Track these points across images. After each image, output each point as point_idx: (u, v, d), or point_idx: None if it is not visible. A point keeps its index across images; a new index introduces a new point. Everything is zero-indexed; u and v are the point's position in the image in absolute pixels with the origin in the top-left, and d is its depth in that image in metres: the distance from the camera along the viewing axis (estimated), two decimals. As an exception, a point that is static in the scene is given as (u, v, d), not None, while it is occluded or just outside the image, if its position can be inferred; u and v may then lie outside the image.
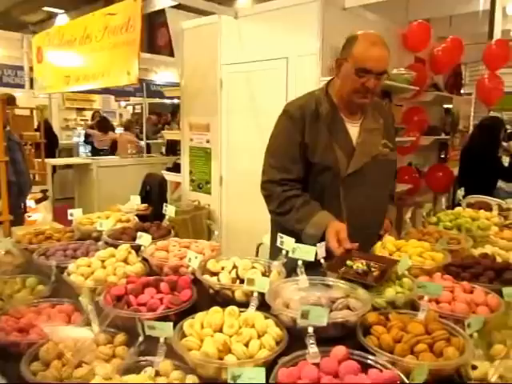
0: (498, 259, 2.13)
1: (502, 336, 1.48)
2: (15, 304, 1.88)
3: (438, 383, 1.26)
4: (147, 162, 7.91)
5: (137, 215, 2.84)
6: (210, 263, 1.83)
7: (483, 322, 1.42)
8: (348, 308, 1.51)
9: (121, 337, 1.57)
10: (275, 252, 2.04)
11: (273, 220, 2.37)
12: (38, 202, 7.03)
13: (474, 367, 1.30)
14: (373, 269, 1.76)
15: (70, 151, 11.70)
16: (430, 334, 1.39)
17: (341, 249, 1.91)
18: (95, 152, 9.75)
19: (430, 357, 1.30)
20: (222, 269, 1.80)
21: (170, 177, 5.92)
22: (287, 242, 1.75)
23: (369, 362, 1.26)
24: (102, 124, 10.03)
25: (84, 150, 12.04)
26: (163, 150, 9.23)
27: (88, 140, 10.66)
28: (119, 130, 11.11)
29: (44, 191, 7.22)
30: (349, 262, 1.80)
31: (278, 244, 1.80)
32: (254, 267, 1.81)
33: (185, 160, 5.60)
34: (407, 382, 1.15)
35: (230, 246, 4.73)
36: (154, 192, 6.09)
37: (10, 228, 3.90)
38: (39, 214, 7.00)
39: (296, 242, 1.77)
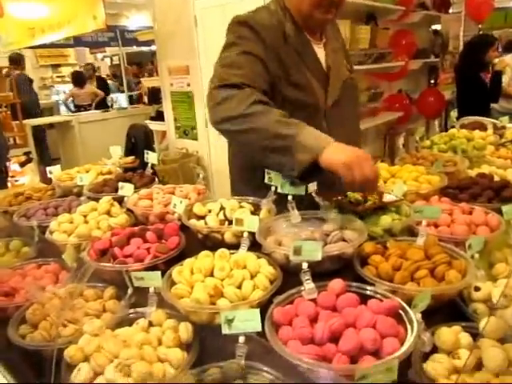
0: (496, 178, 2.06)
1: (503, 255, 1.44)
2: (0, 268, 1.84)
3: (441, 308, 1.22)
4: (130, 113, 7.68)
5: (125, 169, 2.73)
6: (196, 207, 1.74)
7: (484, 243, 1.36)
8: (343, 240, 1.45)
9: (110, 291, 1.52)
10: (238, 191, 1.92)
11: (231, 155, 2.03)
12: (22, 165, 6.87)
13: (477, 289, 1.25)
14: (369, 201, 1.69)
15: (51, 110, 11.33)
16: (431, 259, 1.33)
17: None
18: (78, 110, 9.43)
19: (432, 282, 1.25)
20: (209, 212, 1.73)
21: (154, 126, 5.75)
22: (275, 178, 1.65)
23: (368, 292, 1.21)
24: (76, 78, 9.60)
25: (65, 109, 11.68)
26: (145, 99, 8.94)
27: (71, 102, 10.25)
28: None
29: (27, 153, 7.04)
30: (349, 193, 1.72)
31: (266, 181, 1.70)
32: (242, 207, 1.73)
33: (167, 107, 5.41)
34: (409, 309, 1.09)
35: (221, 191, 4.64)
36: (139, 143, 5.92)
37: (-9, 193, 3.78)
38: (26, 177, 6.87)
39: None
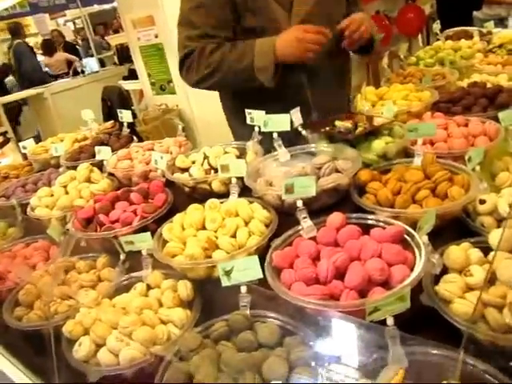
0: (489, 85, 1.96)
1: (504, 164, 1.37)
2: None
3: (446, 227, 1.16)
4: (102, 76, 7.36)
5: (110, 135, 2.59)
6: (178, 160, 1.66)
7: (484, 153, 1.29)
8: (337, 171, 1.37)
9: (102, 260, 1.47)
10: (240, 135, 1.84)
11: (224, 100, 2.03)
12: (0, 146, 6.66)
13: (482, 201, 1.19)
14: (359, 127, 1.60)
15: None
16: (431, 178, 1.27)
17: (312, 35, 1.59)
18: (55, 79, 9.05)
19: (435, 201, 1.19)
20: (193, 163, 1.64)
21: (128, 86, 5.53)
22: (257, 117, 1.56)
23: (369, 222, 1.15)
24: (45, 47, 9.16)
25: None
26: (116, 59, 8.57)
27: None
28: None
29: (4, 133, 6.81)
30: (337, 122, 1.63)
31: (248, 121, 1.62)
32: (226, 152, 1.65)
33: (139, 63, 5.16)
34: (415, 233, 1.03)
35: (208, 141, 4.53)
36: (116, 106, 5.71)
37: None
38: (8, 159, 6.68)
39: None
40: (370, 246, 1.01)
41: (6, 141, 6.67)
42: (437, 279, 0.98)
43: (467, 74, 2.24)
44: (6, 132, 6.72)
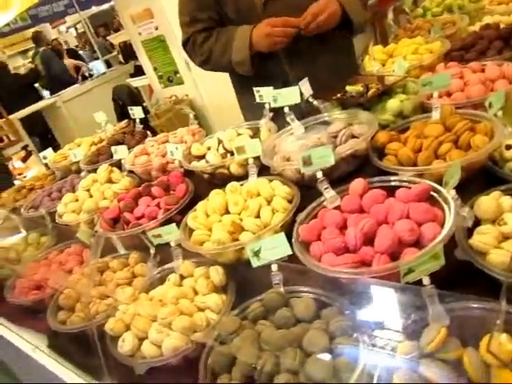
0: (502, 26, 1.87)
1: (527, 104, 1.31)
2: (25, 264, 1.83)
3: (474, 179, 1.12)
4: (110, 77, 7.38)
5: (124, 134, 2.61)
6: (193, 148, 1.66)
7: (505, 96, 1.23)
8: (353, 137, 1.34)
9: (134, 256, 1.49)
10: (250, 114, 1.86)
11: (232, 81, 2.10)
12: (24, 160, 6.80)
13: (509, 147, 1.15)
14: (371, 89, 1.55)
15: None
16: (451, 130, 1.22)
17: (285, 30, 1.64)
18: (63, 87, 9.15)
19: (458, 153, 1.15)
20: (209, 149, 1.64)
21: (136, 83, 5.54)
22: (266, 93, 1.54)
23: (393, 184, 1.12)
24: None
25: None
26: (121, 58, 8.58)
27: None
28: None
29: (25, 147, 6.95)
30: (348, 87, 1.59)
31: (258, 100, 1.59)
32: (240, 134, 1.63)
33: (143, 58, 5.15)
34: (441, 188, 1.00)
35: (221, 127, 4.52)
36: (128, 104, 5.72)
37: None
38: (32, 171, 6.83)
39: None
40: (396, 208, 0.99)
41: (29, 154, 6.81)
42: (470, 232, 0.95)
43: (478, 17, 2.15)
44: (27, 146, 6.85)
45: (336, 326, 0.88)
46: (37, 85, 8.45)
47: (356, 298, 0.91)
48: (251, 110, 1.84)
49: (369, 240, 0.96)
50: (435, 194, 1.02)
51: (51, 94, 7.71)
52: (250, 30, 1.72)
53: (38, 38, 8.34)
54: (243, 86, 1.93)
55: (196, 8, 1.86)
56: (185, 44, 1.94)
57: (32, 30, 8.46)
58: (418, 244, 0.92)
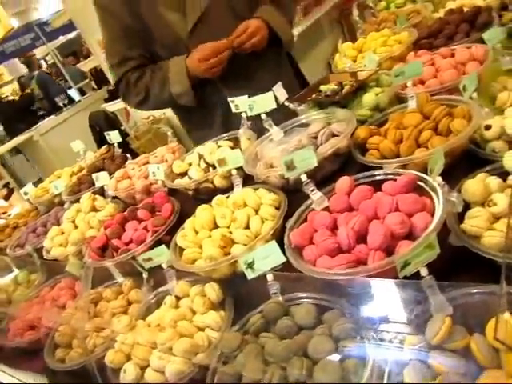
0: (466, 10, 1.89)
1: (501, 84, 1.33)
2: (17, 305, 1.79)
3: (457, 164, 1.12)
4: (85, 104, 7.34)
5: (104, 160, 2.58)
6: (175, 166, 1.65)
7: (477, 78, 1.24)
8: (333, 135, 1.34)
9: (127, 283, 1.46)
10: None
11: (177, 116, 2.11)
12: (6, 198, 6.69)
13: (488, 127, 1.15)
14: (346, 86, 1.56)
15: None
16: (430, 118, 1.23)
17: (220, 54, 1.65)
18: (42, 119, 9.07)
19: (440, 140, 1.15)
20: (190, 165, 1.62)
21: (112, 107, 5.52)
22: (240, 103, 1.53)
23: (378, 178, 1.11)
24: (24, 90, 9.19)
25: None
26: (93, 84, 8.54)
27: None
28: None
29: (6, 185, 6.86)
30: (322, 87, 1.59)
31: (234, 110, 1.58)
32: (220, 146, 1.62)
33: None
34: (427, 176, 1.00)
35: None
36: (105, 130, 5.69)
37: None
38: (16, 208, 6.73)
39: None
40: (385, 202, 0.98)
41: (11, 192, 6.71)
42: (461, 217, 0.94)
43: (441, 3, 2.17)
44: (8, 183, 6.77)
45: (339, 328, 0.87)
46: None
47: (356, 298, 0.90)
48: (203, 140, 1.80)
49: (361, 237, 0.95)
50: (422, 183, 1.01)
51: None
52: (183, 60, 1.71)
53: (29, 62, 8.51)
54: (188, 120, 1.95)
55: (125, 47, 1.80)
56: (117, 86, 1.89)
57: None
58: (410, 236, 0.91)
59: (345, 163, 1.34)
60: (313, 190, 1.14)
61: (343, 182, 1.12)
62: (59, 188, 2.15)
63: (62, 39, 11.47)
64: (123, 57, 1.81)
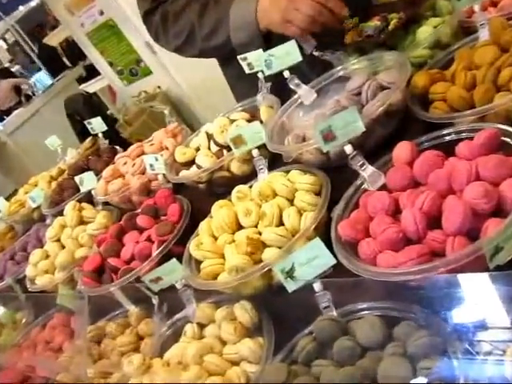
0: None
1: None
2: (4, 352, 1.85)
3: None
4: (59, 88, 7.47)
5: (88, 157, 2.64)
6: (178, 154, 1.66)
7: None
8: (382, 88, 1.32)
9: (133, 313, 1.49)
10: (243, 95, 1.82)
11: (222, 66, 2.03)
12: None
13: None
14: (392, 20, 1.53)
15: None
16: (509, 50, 1.19)
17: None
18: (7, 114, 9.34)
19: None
20: (198, 150, 1.64)
21: (91, 87, 5.62)
22: (255, 59, 1.54)
23: (448, 138, 1.11)
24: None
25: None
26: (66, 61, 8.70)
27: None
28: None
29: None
30: (362, 25, 1.58)
31: (247, 71, 1.60)
32: (233, 121, 1.62)
33: (93, 54, 5.24)
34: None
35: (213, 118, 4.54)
36: (87, 118, 5.78)
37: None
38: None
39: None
40: (460, 169, 0.96)
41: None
42: None
43: None
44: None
45: (417, 345, 0.86)
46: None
47: (435, 301, 0.89)
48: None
49: (434, 221, 0.94)
50: (507, 139, 1.00)
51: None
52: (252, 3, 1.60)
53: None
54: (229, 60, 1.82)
55: None
56: (148, 21, 1.82)
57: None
58: (500, 212, 0.90)
59: (401, 124, 1.33)
60: (363, 165, 1.13)
61: (402, 148, 1.12)
62: (37, 200, 2.20)
63: (21, 10, 11.70)
64: None
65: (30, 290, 1.87)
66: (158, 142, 1.90)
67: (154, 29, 1.82)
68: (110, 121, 5.04)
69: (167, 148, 1.84)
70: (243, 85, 1.86)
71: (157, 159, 1.67)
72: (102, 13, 4.85)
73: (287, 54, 1.47)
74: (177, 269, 1.26)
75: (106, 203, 1.93)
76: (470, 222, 0.89)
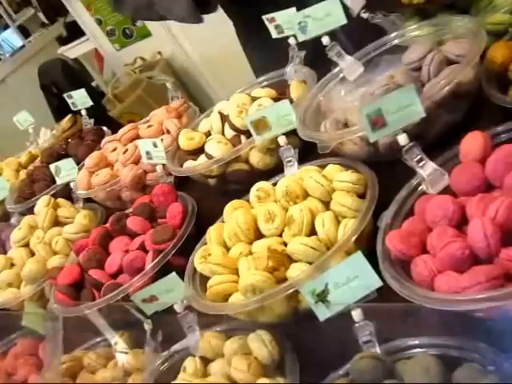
0: None
1: None
2: None
3: None
4: (31, 51, 7.57)
5: (67, 139, 2.68)
6: (182, 139, 1.68)
7: None
8: (449, 63, 1.33)
9: (119, 341, 1.51)
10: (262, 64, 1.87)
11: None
12: None
13: None
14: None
15: None
16: None
17: None
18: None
19: None
20: (208, 135, 1.66)
21: (73, 52, 5.68)
22: (285, 21, 1.57)
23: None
24: None
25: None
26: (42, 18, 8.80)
27: None
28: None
29: None
30: None
31: (274, 34, 1.63)
32: (255, 99, 1.63)
33: (77, 9, 5.28)
34: None
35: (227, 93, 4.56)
36: (66, 90, 5.82)
37: None
38: None
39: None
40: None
41: None
42: None
43: None
44: None
45: (483, 393, 0.88)
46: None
47: (507, 338, 0.90)
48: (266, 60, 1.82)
49: (509, 235, 0.95)
50: None
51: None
52: None
53: None
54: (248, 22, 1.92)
55: None
56: None
57: None
58: None
59: (472, 110, 1.34)
60: (420, 160, 1.15)
61: (472, 141, 1.13)
62: (1, 194, 2.23)
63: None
64: None
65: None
66: (157, 124, 1.92)
67: None
68: (95, 95, 5.07)
69: (169, 131, 1.87)
70: (263, 55, 1.93)
71: (155, 145, 1.69)
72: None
73: (327, 15, 1.48)
74: (176, 286, 1.28)
75: (88, 200, 1.96)
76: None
